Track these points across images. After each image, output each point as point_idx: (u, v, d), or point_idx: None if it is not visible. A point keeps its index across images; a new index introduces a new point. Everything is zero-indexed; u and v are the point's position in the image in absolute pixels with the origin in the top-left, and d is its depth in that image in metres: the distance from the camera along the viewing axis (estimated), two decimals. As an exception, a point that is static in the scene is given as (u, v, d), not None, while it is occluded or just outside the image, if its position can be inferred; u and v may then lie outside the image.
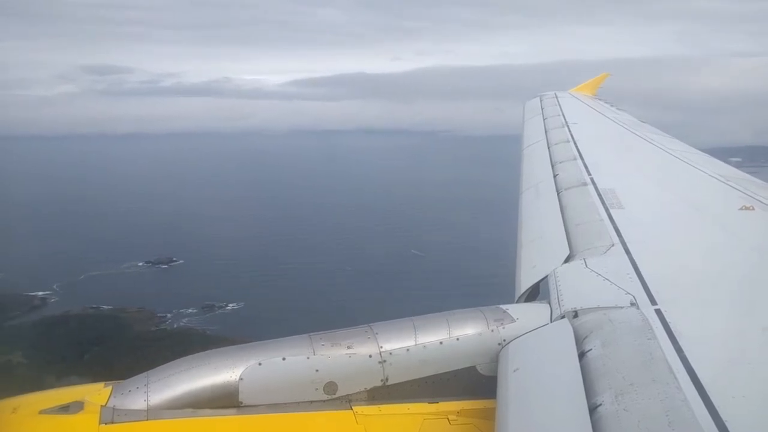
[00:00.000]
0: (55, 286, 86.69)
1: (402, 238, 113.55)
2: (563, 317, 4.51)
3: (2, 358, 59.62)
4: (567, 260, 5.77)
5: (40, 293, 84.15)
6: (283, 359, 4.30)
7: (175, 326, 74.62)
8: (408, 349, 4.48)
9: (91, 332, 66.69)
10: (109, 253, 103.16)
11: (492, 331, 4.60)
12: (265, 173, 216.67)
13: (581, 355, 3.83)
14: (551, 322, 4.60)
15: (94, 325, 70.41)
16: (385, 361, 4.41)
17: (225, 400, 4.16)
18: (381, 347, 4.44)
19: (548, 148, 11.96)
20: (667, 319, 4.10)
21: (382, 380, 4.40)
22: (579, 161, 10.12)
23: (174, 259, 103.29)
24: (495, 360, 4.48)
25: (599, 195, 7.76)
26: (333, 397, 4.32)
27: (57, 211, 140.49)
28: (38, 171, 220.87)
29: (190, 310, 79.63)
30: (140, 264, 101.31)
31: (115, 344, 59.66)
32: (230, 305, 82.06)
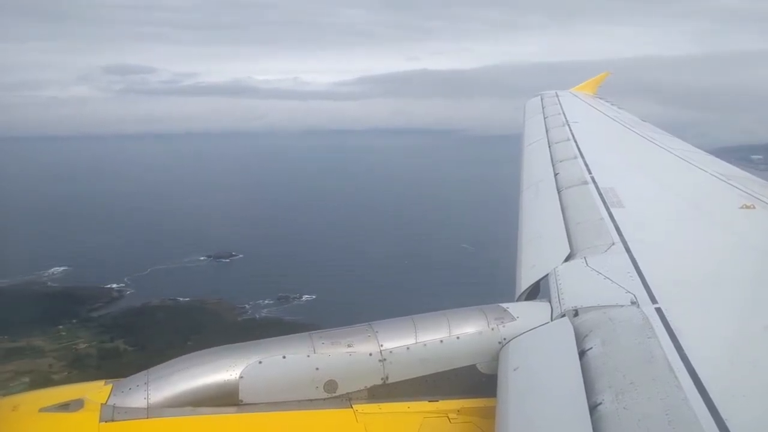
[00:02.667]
0: (125, 279, 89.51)
1: (449, 233, 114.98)
2: (563, 316, 4.51)
3: (109, 345, 64.23)
4: (567, 259, 5.76)
5: (114, 285, 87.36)
6: (284, 357, 4.30)
7: (257, 316, 77.06)
8: (408, 348, 4.48)
9: (183, 321, 69.80)
10: (167, 248, 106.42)
11: (492, 329, 4.60)
12: (293, 174, 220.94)
13: (581, 354, 3.83)
14: (552, 320, 4.60)
15: (183, 315, 73.76)
16: (385, 359, 4.42)
17: (225, 398, 4.16)
18: (381, 346, 4.45)
19: (549, 146, 11.96)
20: (668, 318, 4.10)
21: (382, 379, 4.40)
22: (579, 160, 10.11)
23: (233, 253, 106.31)
24: (495, 358, 4.48)
25: (600, 194, 7.75)
26: (333, 395, 4.32)
27: (96, 209, 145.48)
28: (58, 171, 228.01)
29: (266, 301, 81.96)
30: (201, 258, 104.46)
31: (213, 332, 60.74)
32: (304, 296, 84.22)
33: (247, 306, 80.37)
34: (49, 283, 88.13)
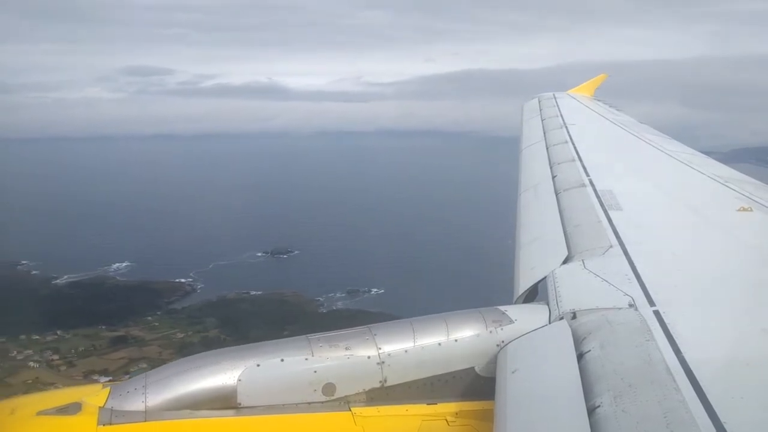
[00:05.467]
0: (191, 274, 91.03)
1: (493, 229, 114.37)
2: (562, 318, 4.51)
3: (211, 333, 66.18)
4: (565, 261, 5.77)
5: (183, 280, 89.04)
6: (282, 360, 4.30)
7: (334, 308, 78.14)
8: (406, 351, 4.48)
9: (269, 312, 71.34)
10: (223, 245, 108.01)
11: (490, 332, 4.60)
12: (332, 173, 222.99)
13: (580, 357, 3.83)
14: (550, 323, 4.60)
15: (267, 306, 75.28)
16: (383, 362, 4.41)
17: (223, 401, 4.16)
18: (379, 349, 4.45)
19: (547, 149, 11.96)
20: (666, 321, 4.11)
21: (380, 381, 4.40)
22: (577, 162, 10.12)
23: (290, 249, 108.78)
24: (493, 361, 4.48)
25: (597, 196, 7.76)
26: (331, 398, 4.32)
27: (139, 207, 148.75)
28: (90, 172, 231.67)
29: (338, 295, 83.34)
30: (259, 254, 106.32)
31: (304, 323, 61.20)
32: (373, 290, 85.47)
33: (320, 299, 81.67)
34: (118, 278, 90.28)
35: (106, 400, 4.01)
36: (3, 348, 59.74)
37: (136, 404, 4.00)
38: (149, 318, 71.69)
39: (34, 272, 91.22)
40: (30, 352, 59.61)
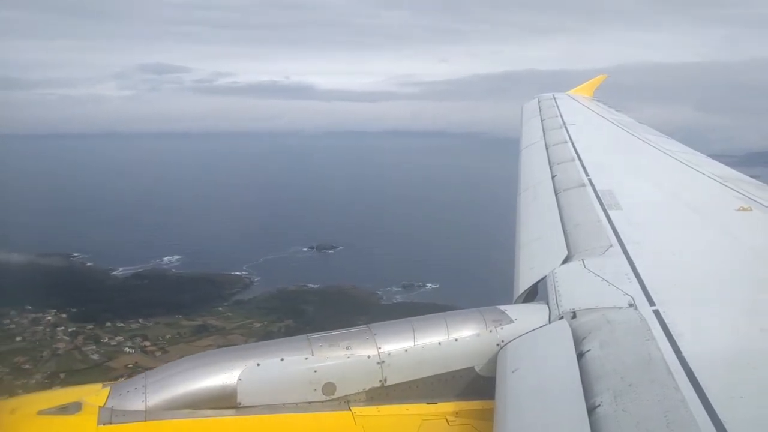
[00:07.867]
0: (244, 267, 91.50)
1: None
2: (561, 318, 4.51)
3: (286, 323, 67.04)
4: (565, 261, 5.77)
5: (239, 273, 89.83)
6: (282, 360, 4.31)
7: (395, 301, 78.34)
8: (406, 350, 4.49)
9: (336, 304, 71.56)
10: (269, 240, 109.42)
11: (490, 332, 4.61)
12: (355, 172, 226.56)
13: (580, 356, 3.84)
14: (549, 322, 4.61)
15: (331, 298, 75.62)
16: (383, 362, 4.42)
17: (223, 400, 4.16)
18: (379, 348, 4.45)
19: (546, 149, 11.97)
20: (666, 320, 4.11)
21: (380, 381, 4.41)
22: (577, 162, 10.13)
23: (334, 245, 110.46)
24: (493, 361, 4.49)
25: (597, 196, 7.77)
26: (331, 397, 4.33)
27: (176, 203, 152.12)
28: (124, 168, 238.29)
29: (394, 289, 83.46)
30: (305, 249, 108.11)
31: (374, 314, 60.69)
32: (428, 284, 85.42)
33: (379, 292, 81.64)
34: (173, 270, 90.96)
35: (107, 400, 4.01)
36: (95, 334, 62.14)
37: (137, 404, 4.01)
38: (220, 309, 72.74)
39: (88, 264, 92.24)
40: (121, 338, 61.49)
